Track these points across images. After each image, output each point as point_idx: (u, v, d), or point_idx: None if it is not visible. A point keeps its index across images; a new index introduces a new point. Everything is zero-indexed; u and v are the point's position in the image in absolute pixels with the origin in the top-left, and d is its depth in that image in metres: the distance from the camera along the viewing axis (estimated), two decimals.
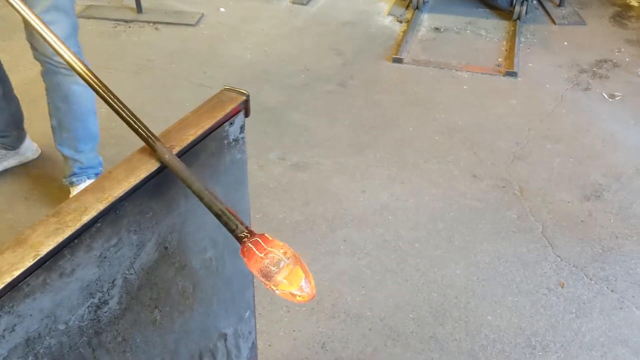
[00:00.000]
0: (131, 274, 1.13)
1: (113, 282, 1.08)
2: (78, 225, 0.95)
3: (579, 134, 3.07)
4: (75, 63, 1.05)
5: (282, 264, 1.03)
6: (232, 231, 1.06)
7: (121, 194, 1.03)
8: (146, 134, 1.08)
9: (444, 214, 2.53)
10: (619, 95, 3.39)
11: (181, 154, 1.17)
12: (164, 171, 1.12)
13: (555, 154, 2.91)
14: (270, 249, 1.04)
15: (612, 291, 2.19)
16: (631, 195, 2.66)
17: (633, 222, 2.50)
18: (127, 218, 1.07)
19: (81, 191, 1.02)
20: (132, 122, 1.08)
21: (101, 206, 0.99)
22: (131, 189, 1.05)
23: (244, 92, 1.39)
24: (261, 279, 1.04)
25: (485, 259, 2.32)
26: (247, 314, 1.67)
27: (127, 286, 1.12)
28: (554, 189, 2.68)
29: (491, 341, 2.01)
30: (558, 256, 2.33)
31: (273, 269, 1.02)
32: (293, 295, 1.05)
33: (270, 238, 1.06)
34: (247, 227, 1.06)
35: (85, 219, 0.96)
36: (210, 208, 1.08)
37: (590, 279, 2.24)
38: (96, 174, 2.46)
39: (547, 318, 2.09)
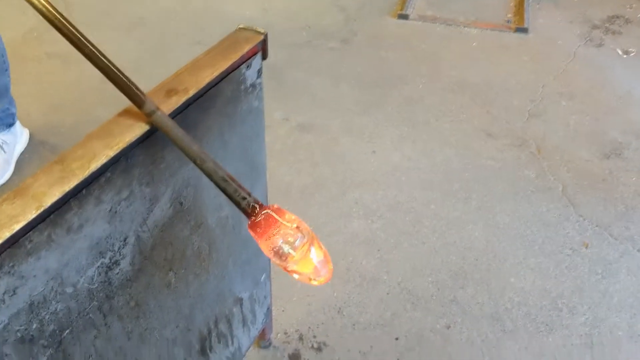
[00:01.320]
0: (144, 231, 1.01)
1: (125, 240, 0.96)
2: (86, 174, 0.82)
3: (593, 91, 2.94)
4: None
5: (297, 242, 0.89)
6: (238, 203, 0.90)
7: (132, 140, 0.90)
8: (131, 86, 0.87)
9: (459, 174, 2.42)
10: (633, 52, 3.27)
11: (196, 98, 1.04)
12: (177, 118, 0.99)
13: (570, 111, 2.79)
14: (284, 224, 0.89)
15: (638, 251, 2.10)
16: None
17: None
18: (138, 168, 0.94)
19: (87, 137, 0.89)
20: (114, 74, 0.85)
21: (111, 152, 0.86)
22: (143, 134, 0.92)
23: (261, 31, 1.26)
24: (274, 259, 0.90)
25: (504, 219, 2.21)
26: (262, 277, 1.56)
27: (140, 245, 1.00)
28: (571, 147, 2.57)
29: (516, 304, 1.91)
30: (580, 216, 2.23)
31: (287, 248, 0.89)
32: (310, 279, 0.93)
33: (282, 210, 0.91)
34: (255, 199, 0.90)
35: (94, 166, 0.84)
36: (211, 176, 0.91)
37: (615, 239, 2.14)
38: (8, 125, 2.39)
39: (572, 279, 1.99)
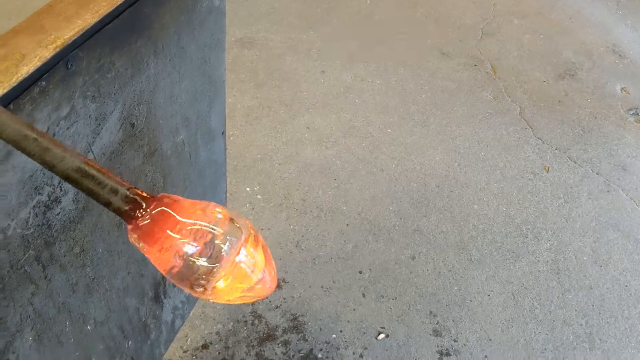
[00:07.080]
0: (90, 159, 0.79)
1: None
2: (13, 82, 0.60)
3: (545, 10, 2.84)
4: None
5: (225, 248, 0.54)
6: (107, 204, 0.56)
7: (74, 37, 0.67)
8: None
9: (415, 95, 2.27)
10: None
11: None
12: (129, 11, 0.76)
13: (523, 30, 2.68)
14: (193, 222, 0.55)
15: (597, 174, 2.05)
16: (604, 74, 2.50)
17: (609, 102, 2.35)
18: (82, 77, 0.71)
19: (11, 31, 0.65)
20: None
21: (46, 53, 0.64)
22: (88, 30, 0.69)
23: None
24: (178, 283, 0.56)
25: (464, 143, 2.10)
26: None
27: None
28: (527, 67, 2.47)
29: (480, 231, 1.83)
30: (539, 138, 2.15)
31: (203, 264, 0.54)
32: (246, 298, 0.60)
33: (185, 202, 0.56)
34: (133, 188, 0.55)
35: (24, 72, 0.61)
36: (53, 168, 0.53)
37: (574, 162, 2.08)
38: None
39: (535, 204, 1.92)
